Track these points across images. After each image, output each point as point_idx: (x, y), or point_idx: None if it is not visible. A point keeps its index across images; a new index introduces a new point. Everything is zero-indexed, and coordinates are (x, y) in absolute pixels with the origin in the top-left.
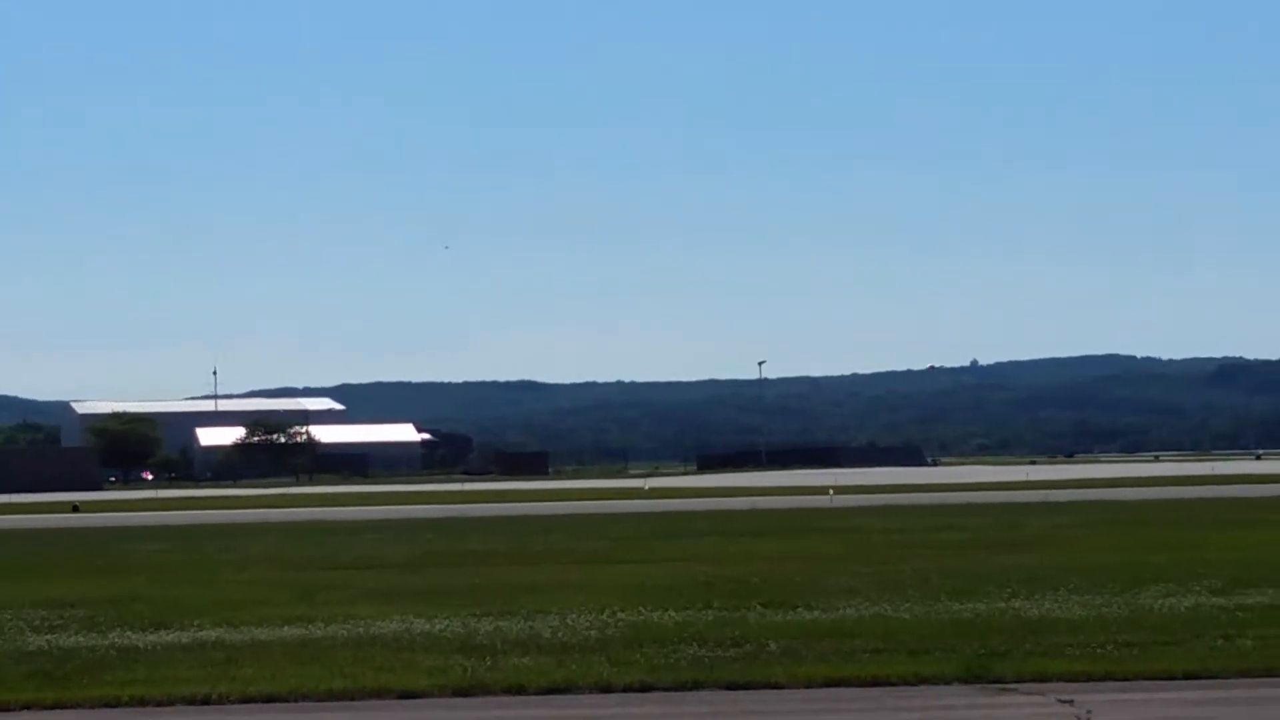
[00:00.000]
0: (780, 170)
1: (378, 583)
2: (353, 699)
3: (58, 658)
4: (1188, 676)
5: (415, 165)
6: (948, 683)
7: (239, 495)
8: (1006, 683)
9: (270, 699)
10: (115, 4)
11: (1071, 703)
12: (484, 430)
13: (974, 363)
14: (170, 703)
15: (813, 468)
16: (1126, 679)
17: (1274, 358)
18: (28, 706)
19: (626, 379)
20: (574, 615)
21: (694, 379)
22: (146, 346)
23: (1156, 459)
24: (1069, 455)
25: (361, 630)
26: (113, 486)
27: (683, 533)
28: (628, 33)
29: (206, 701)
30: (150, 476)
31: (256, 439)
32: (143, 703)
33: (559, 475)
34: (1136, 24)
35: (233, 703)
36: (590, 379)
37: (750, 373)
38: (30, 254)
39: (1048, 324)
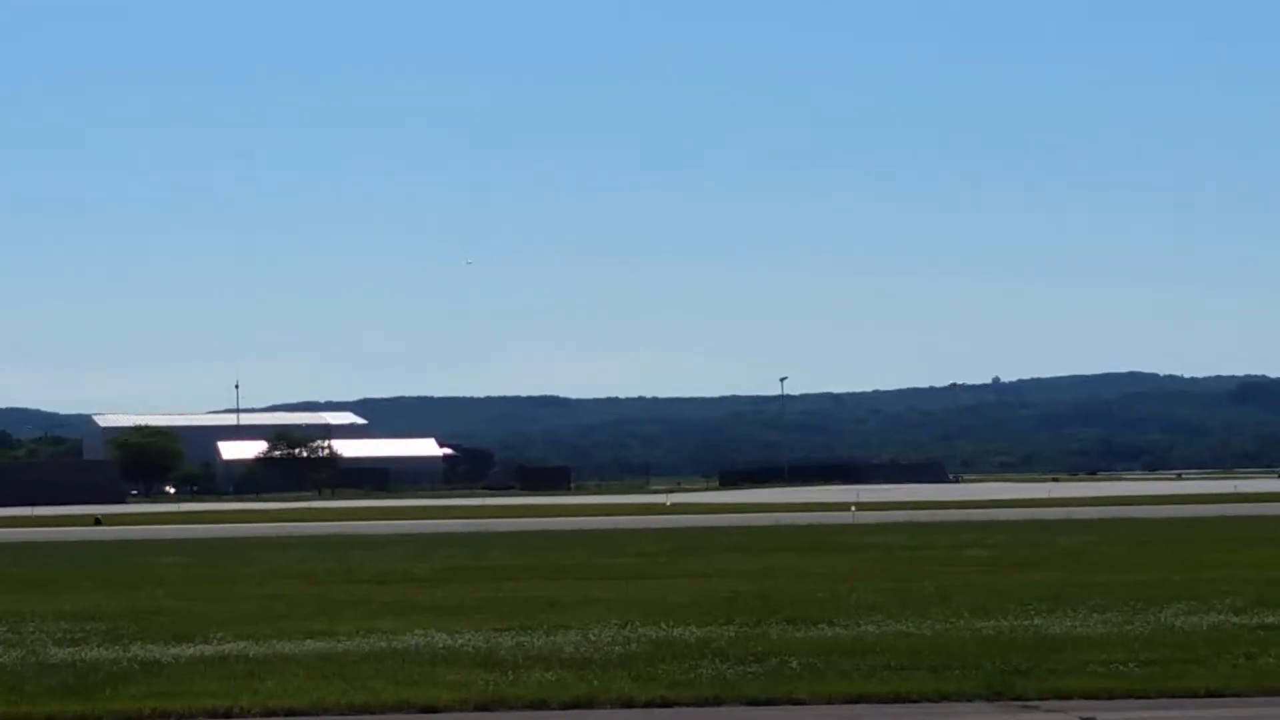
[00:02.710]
0: (802, 188)
1: (399, 597)
2: (374, 713)
3: (80, 670)
4: (1210, 694)
5: (438, 179)
6: (970, 700)
7: (260, 509)
8: (1028, 700)
9: (291, 713)
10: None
11: None
12: (506, 445)
13: (996, 380)
14: (192, 715)
15: (835, 484)
16: (1148, 696)
17: None
18: (50, 718)
19: (649, 395)
20: (596, 630)
21: (716, 395)
22: (169, 360)
23: (1179, 477)
24: (1091, 473)
25: (383, 644)
26: (135, 500)
27: (704, 548)
28: (647, 51)
29: (228, 715)
30: (172, 490)
31: (278, 453)
32: (164, 715)
33: (581, 490)
34: (1161, 42)
35: (254, 716)
36: (612, 394)
37: (772, 389)
38: (53, 268)
39: (1070, 341)
